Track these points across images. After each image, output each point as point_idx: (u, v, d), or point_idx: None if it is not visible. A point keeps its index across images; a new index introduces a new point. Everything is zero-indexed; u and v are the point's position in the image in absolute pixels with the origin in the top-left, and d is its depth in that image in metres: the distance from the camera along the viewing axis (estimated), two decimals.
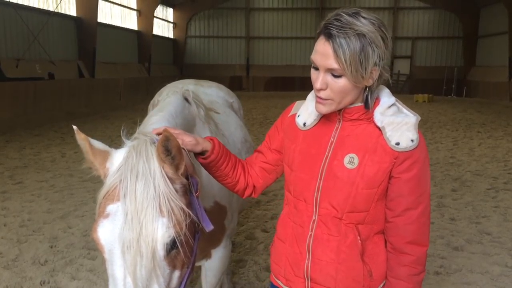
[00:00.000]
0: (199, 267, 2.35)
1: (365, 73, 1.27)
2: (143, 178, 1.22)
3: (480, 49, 25.99)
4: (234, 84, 26.63)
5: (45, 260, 3.90)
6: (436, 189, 6.21)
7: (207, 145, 1.51)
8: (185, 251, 1.28)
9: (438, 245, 4.29)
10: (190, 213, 1.29)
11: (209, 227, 1.43)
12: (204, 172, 1.73)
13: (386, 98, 1.40)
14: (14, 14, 13.66)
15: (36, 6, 15.35)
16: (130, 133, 1.44)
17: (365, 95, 1.37)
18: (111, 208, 1.24)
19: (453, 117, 15.08)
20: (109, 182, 1.27)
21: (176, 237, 1.23)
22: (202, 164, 1.56)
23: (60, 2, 16.14)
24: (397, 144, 1.33)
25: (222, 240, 2.20)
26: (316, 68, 1.32)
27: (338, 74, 1.27)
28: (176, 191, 1.28)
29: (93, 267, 3.75)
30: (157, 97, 2.72)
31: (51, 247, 4.16)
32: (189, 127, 1.85)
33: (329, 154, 1.41)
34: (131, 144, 1.33)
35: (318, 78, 1.31)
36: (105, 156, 1.34)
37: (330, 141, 1.42)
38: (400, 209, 1.38)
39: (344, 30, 1.23)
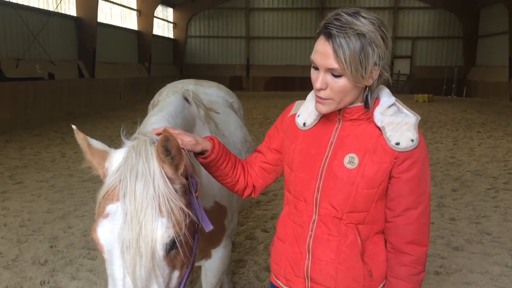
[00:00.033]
0: (199, 267, 2.35)
1: (365, 73, 1.27)
2: (143, 178, 1.22)
3: (480, 49, 25.99)
4: (234, 84, 26.63)
5: (45, 260, 3.90)
6: (436, 189, 6.21)
7: (207, 145, 1.50)
8: (185, 251, 1.28)
9: (438, 245, 4.29)
10: (190, 213, 1.29)
11: (208, 227, 1.43)
12: (204, 172, 1.73)
13: (386, 98, 1.40)
14: (14, 14, 13.66)
15: (36, 6, 15.35)
16: (130, 133, 1.44)
17: (365, 95, 1.36)
18: (110, 208, 1.23)
19: (453, 117, 15.08)
20: (108, 182, 1.27)
21: (176, 237, 1.23)
22: (202, 164, 1.56)
23: (60, 2, 16.14)
24: (397, 144, 1.33)
25: (222, 240, 2.20)
26: (316, 68, 1.32)
27: (338, 74, 1.27)
28: (176, 191, 1.28)
29: (93, 267, 3.75)
30: (157, 97, 2.72)
31: (51, 247, 4.16)
32: (189, 127, 1.85)
33: (329, 154, 1.41)
34: (130, 144, 1.32)
35: (318, 78, 1.31)
36: (104, 156, 1.34)
37: (330, 141, 1.42)
38: (400, 209, 1.38)
39: (344, 30, 1.23)
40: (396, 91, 25.27)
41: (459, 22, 26.98)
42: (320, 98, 1.34)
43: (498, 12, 22.89)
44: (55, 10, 15.87)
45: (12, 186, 6.18)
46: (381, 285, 1.46)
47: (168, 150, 1.26)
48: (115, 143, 1.40)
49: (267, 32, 29.49)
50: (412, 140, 1.33)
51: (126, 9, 22.62)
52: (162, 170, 1.26)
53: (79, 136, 1.33)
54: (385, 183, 1.37)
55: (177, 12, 29.18)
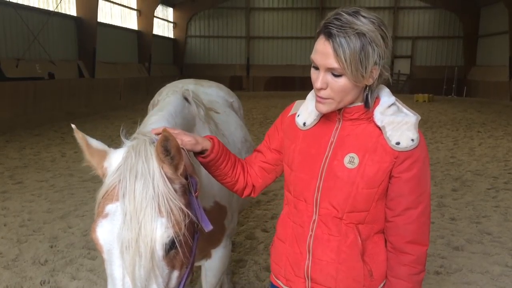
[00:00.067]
0: (199, 267, 2.35)
1: (365, 72, 1.26)
2: (142, 178, 1.22)
3: (480, 48, 25.98)
4: (234, 84, 26.63)
5: (45, 260, 3.90)
6: (437, 188, 6.21)
7: (207, 144, 1.50)
8: (184, 251, 1.27)
9: (438, 245, 4.28)
10: (189, 213, 1.29)
11: (208, 227, 1.42)
12: (204, 172, 1.72)
13: (386, 97, 1.40)
14: (14, 14, 13.66)
15: (36, 6, 15.35)
16: (130, 133, 1.44)
17: (365, 94, 1.36)
18: (110, 208, 1.23)
19: (454, 117, 15.07)
20: (108, 182, 1.27)
21: (175, 237, 1.23)
22: (201, 163, 1.56)
23: (60, 2, 16.14)
24: (398, 143, 1.33)
25: (222, 240, 2.19)
26: (316, 68, 1.32)
27: (338, 73, 1.27)
28: (175, 191, 1.28)
29: (93, 267, 3.75)
30: (157, 97, 2.71)
31: (51, 247, 4.16)
32: (189, 126, 1.85)
33: (329, 154, 1.41)
34: (130, 144, 1.32)
35: (318, 78, 1.31)
36: (103, 155, 1.34)
37: (330, 141, 1.42)
38: (400, 208, 1.38)
39: (344, 29, 1.22)
40: (396, 91, 25.26)
41: (460, 21, 26.98)
42: (320, 97, 1.34)
43: (499, 11, 22.89)
44: (55, 10, 15.87)
45: (12, 186, 6.18)
46: (381, 284, 1.46)
47: (168, 150, 1.25)
48: (115, 143, 1.40)
49: (267, 32, 29.48)
50: (412, 140, 1.33)
51: (126, 9, 22.62)
52: (161, 170, 1.26)
53: (78, 135, 1.33)
54: (385, 182, 1.37)
55: (177, 12, 29.18)
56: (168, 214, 1.22)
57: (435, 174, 7.00)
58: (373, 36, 1.24)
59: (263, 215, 5.15)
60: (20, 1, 14.32)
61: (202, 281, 2.35)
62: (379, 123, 1.36)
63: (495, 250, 4.15)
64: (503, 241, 4.39)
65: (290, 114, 1.58)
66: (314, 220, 1.44)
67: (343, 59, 1.23)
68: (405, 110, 1.40)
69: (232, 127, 2.61)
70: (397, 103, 1.41)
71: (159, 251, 1.22)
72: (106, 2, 20.25)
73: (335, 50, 1.23)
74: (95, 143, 1.35)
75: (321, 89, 1.31)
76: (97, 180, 1.32)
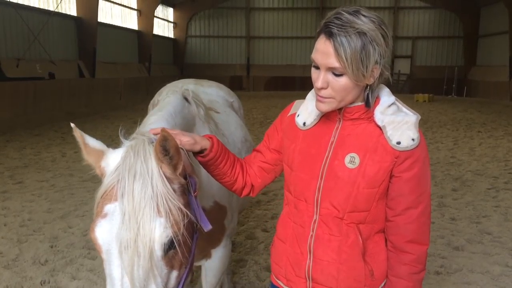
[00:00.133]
0: (199, 267, 2.34)
1: (366, 72, 1.26)
2: (141, 178, 1.22)
3: (480, 48, 25.98)
4: (234, 84, 26.63)
5: (46, 260, 3.89)
6: (437, 188, 6.21)
7: (206, 144, 1.50)
8: (183, 251, 1.27)
9: (438, 244, 4.28)
10: (188, 213, 1.28)
11: (207, 227, 1.42)
12: (203, 172, 1.72)
13: (386, 97, 1.40)
14: (14, 14, 13.66)
15: (36, 6, 15.36)
16: (130, 133, 1.43)
17: (365, 94, 1.36)
18: (108, 208, 1.23)
19: (454, 117, 15.07)
20: (107, 181, 1.27)
21: (174, 237, 1.22)
22: (200, 162, 1.55)
23: (61, 2, 16.14)
24: (398, 143, 1.32)
25: (222, 240, 2.19)
26: (317, 67, 1.31)
27: (339, 72, 1.27)
28: (174, 191, 1.28)
29: (94, 267, 3.74)
30: (157, 96, 2.71)
31: (52, 247, 4.16)
32: (188, 126, 1.85)
33: (330, 154, 1.41)
34: (129, 144, 1.32)
35: (319, 77, 1.30)
36: (100, 155, 1.34)
37: (331, 141, 1.42)
38: (401, 208, 1.37)
39: (344, 29, 1.22)
40: (396, 90, 25.27)
41: (460, 21, 26.98)
42: (321, 97, 1.33)
43: (499, 11, 22.88)
44: (56, 10, 15.87)
45: (12, 186, 6.18)
46: (382, 284, 1.46)
47: (167, 149, 1.25)
48: (116, 143, 1.40)
49: (267, 32, 29.49)
50: (413, 139, 1.32)
51: (127, 9, 22.63)
52: (160, 170, 1.25)
53: (77, 134, 1.34)
54: (386, 182, 1.37)
55: (177, 12, 29.18)
56: (167, 214, 1.22)
57: (435, 174, 6.99)
58: (373, 35, 1.24)
59: (263, 215, 5.15)
60: (20, 1, 14.33)
61: (202, 281, 2.35)
62: (379, 123, 1.36)
63: (495, 250, 4.15)
64: (503, 241, 4.39)
65: (289, 114, 1.57)
66: (315, 220, 1.43)
67: (344, 58, 1.22)
68: (404, 109, 1.40)
69: (232, 127, 2.61)
70: (397, 103, 1.41)
71: (158, 251, 1.21)
72: (106, 2, 20.26)
73: (336, 50, 1.23)
74: (93, 142, 1.35)
75: (322, 88, 1.31)
76: (97, 180, 1.32)
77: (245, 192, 1.66)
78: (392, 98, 1.40)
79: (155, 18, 24.36)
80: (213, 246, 2.16)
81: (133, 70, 22.17)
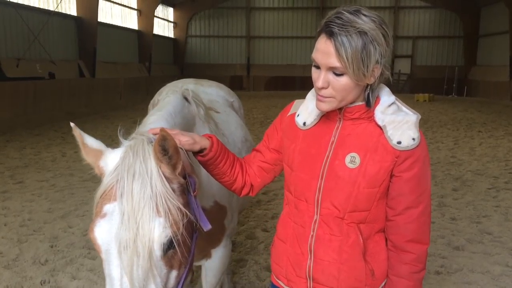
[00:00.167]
0: (199, 267, 2.34)
1: (367, 71, 1.26)
2: (140, 178, 1.22)
3: (480, 48, 25.97)
4: (234, 83, 26.62)
5: (46, 259, 3.89)
6: (437, 188, 6.20)
7: (206, 143, 1.49)
8: (182, 251, 1.27)
9: (439, 244, 4.28)
10: (188, 212, 1.28)
11: (207, 226, 1.42)
12: (203, 172, 1.72)
13: (386, 96, 1.40)
14: (14, 14, 13.66)
15: (36, 5, 15.35)
16: (131, 133, 1.43)
17: (366, 93, 1.36)
18: (108, 208, 1.23)
19: (454, 117, 15.06)
20: (106, 181, 1.27)
21: (173, 237, 1.22)
22: (200, 162, 1.55)
23: (61, 1, 16.14)
24: (399, 143, 1.32)
25: (222, 239, 2.19)
26: (317, 67, 1.31)
27: (340, 72, 1.26)
28: (173, 190, 1.27)
29: (94, 267, 3.74)
30: (157, 96, 2.71)
31: (52, 247, 4.16)
32: (188, 126, 1.84)
33: (330, 154, 1.40)
34: (128, 144, 1.32)
35: (320, 77, 1.30)
36: (98, 155, 1.34)
37: (331, 141, 1.41)
38: (401, 207, 1.37)
39: (345, 28, 1.21)
40: (396, 90, 25.27)
41: (460, 21, 26.96)
42: (322, 96, 1.33)
43: (499, 11, 22.87)
44: (56, 10, 15.86)
45: (12, 185, 6.18)
46: (383, 283, 1.46)
47: (166, 149, 1.25)
48: (116, 143, 1.41)
49: (268, 32, 29.48)
50: (413, 139, 1.32)
51: (127, 8, 22.62)
52: (159, 170, 1.25)
53: (76, 133, 1.34)
54: (387, 182, 1.37)
55: (177, 12, 29.18)
56: (166, 214, 1.21)
57: (436, 174, 6.99)
58: (374, 35, 1.23)
59: (263, 214, 5.15)
60: (20, 1, 14.32)
61: (202, 281, 2.34)
62: (380, 123, 1.36)
63: (495, 250, 4.15)
64: (503, 241, 4.38)
65: (289, 113, 1.57)
66: (316, 220, 1.43)
67: (345, 58, 1.22)
68: (404, 109, 1.40)
69: (233, 126, 2.61)
70: (397, 102, 1.41)
71: (157, 251, 1.21)
72: (107, 2, 20.25)
73: (336, 49, 1.23)
74: (92, 142, 1.36)
75: (322, 88, 1.31)
76: (98, 180, 1.32)
77: (244, 192, 1.66)
78: (392, 98, 1.40)
79: (155, 18, 24.35)
80: (213, 246, 2.16)
81: (133, 70, 22.17)
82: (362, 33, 1.22)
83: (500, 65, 22.56)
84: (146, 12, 23.46)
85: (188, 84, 2.77)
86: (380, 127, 1.36)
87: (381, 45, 1.26)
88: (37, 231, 4.55)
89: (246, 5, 29.19)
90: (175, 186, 1.30)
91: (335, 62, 1.24)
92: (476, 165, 7.75)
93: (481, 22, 25.89)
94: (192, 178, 1.43)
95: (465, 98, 24.41)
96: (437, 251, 4.11)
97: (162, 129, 1.23)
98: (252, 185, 1.65)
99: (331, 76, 1.28)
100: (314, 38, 1.34)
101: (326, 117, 1.44)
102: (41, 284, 3.48)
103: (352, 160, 1.36)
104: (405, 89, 27.26)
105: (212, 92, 2.96)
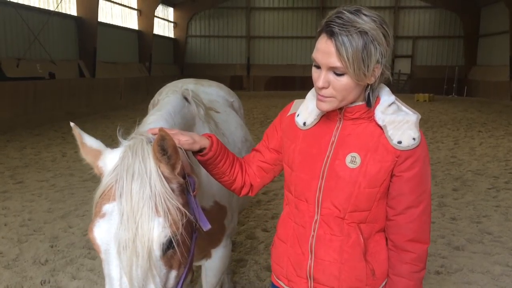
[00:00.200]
0: (199, 267, 2.34)
1: (368, 71, 1.26)
2: (139, 178, 1.21)
3: (481, 48, 25.96)
4: (234, 83, 26.63)
5: (46, 259, 3.89)
6: (437, 188, 6.20)
7: (205, 143, 1.49)
8: (182, 251, 1.27)
9: (439, 244, 4.28)
10: (187, 212, 1.28)
11: (206, 226, 1.42)
12: (203, 172, 1.72)
13: (386, 96, 1.40)
14: (14, 14, 13.66)
15: (36, 5, 15.35)
16: (130, 133, 1.43)
17: (366, 93, 1.35)
18: (107, 208, 1.23)
19: (454, 117, 15.06)
20: (105, 181, 1.27)
21: (173, 237, 1.22)
22: (199, 161, 1.55)
23: (61, 1, 16.14)
24: (399, 142, 1.32)
25: (222, 239, 2.19)
26: (318, 67, 1.31)
27: (340, 72, 1.26)
28: (173, 190, 1.27)
29: (94, 267, 3.74)
30: (157, 96, 2.71)
31: (52, 247, 4.16)
32: (188, 126, 1.84)
33: (331, 154, 1.40)
34: (127, 143, 1.32)
35: (320, 77, 1.30)
36: (97, 154, 1.34)
37: (331, 141, 1.41)
38: (401, 207, 1.37)
39: (346, 28, 1.21)
40: (397, 90, 25.27)
41: (460, 21, 26.96)
42: (322, 96, 1.33)
43: (499, 11, 22.86)
44: (56, 10, 15.87)
45: (12, 185, 6.18)
46: (383, 283, 1.46)
47: (165, 149, 1.25)
48: (116, 143, 1.41)
49: (268, 32, 29.48)
50: (414, 139, 1.32)
51: (127, 8, 22.62)
52: (158, 170, 1.25)
53: (75, 132, 1.35)
54: (387, 182, 1.37)
55: (177, 12, 29.18)
56: (165, 214, 1.21)
57: (436, 173, 6.99)
58: (375, 34, 1.23)
59: (263, 214, 5.15)
60: (20, 1, 14.32)
61: (202, 281, 2.34)
62: (380, 122, 1.36)
63: (495, 250, 4.14)
64: (503, 240, 4.38)
65: (289, 113, 1.56)
66: (316, 220, 1.43)
67: (346, 57, 1.22)
68: (404, 108, 1.40)
69: (233, 126, 2.60)
70: (397, 102, 1.41)
71: (157, 251, 1.21)
72: (107, 2, 20.25)
73: (337, 49, 1.22)
74: (91, 142, 1.36)
75: (323, 88, 1.30)
76: (98, 180, 1.32)
77: (244, 192, 1.66)
78: (392, 98, 1.40)
79: (155, 18, 24.36)
80: (213, 246, 2.16)
81: (134, 70, 22.17)
82: (362, 32, 1.22)
83: (500, 65, 22.56)
84: (146, 12, 23.46)
85: (188, 84, 2.77)
86: (380, 127, 1.36)
87: (381, 44, 1.25)
88: (37, 231, 4.55)
89: (246, 5, 29.19)
90: (174, 186, 1.30)
91: (335, 62, 1.24)
92: (476, 165, 7.75)
93: (481, 22, 25.88)
94: (192, 178, 1.43)
95: (465, 98, 24.41)
96: (437, 251, 4.11)
97: (161, 129, 1.23)
98: (251, 185, 1.65)
99: (331, 76, 1.28)
100: (314, 38, 1.33)
101: (326, 117, 1.44)
102: (41, 284, 3.48)
103: (352, 160, 1.36)
104: (405, 89, 27.26)
105: (212, 92, 2.96)
